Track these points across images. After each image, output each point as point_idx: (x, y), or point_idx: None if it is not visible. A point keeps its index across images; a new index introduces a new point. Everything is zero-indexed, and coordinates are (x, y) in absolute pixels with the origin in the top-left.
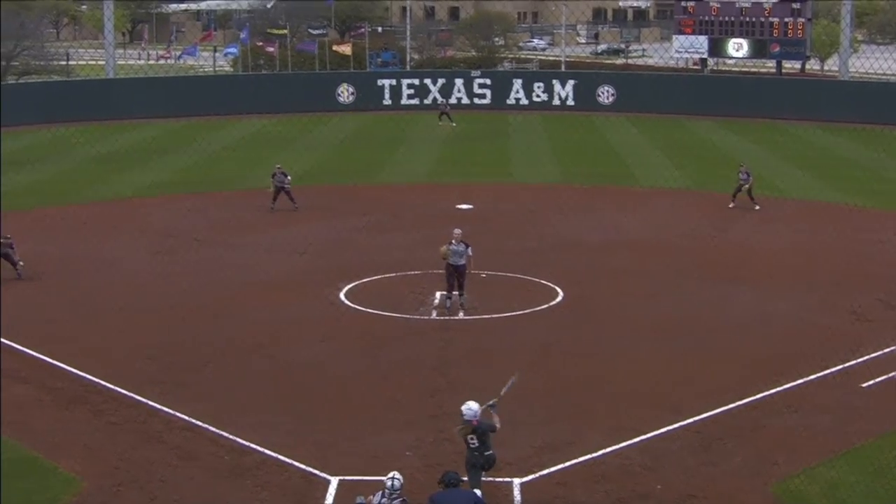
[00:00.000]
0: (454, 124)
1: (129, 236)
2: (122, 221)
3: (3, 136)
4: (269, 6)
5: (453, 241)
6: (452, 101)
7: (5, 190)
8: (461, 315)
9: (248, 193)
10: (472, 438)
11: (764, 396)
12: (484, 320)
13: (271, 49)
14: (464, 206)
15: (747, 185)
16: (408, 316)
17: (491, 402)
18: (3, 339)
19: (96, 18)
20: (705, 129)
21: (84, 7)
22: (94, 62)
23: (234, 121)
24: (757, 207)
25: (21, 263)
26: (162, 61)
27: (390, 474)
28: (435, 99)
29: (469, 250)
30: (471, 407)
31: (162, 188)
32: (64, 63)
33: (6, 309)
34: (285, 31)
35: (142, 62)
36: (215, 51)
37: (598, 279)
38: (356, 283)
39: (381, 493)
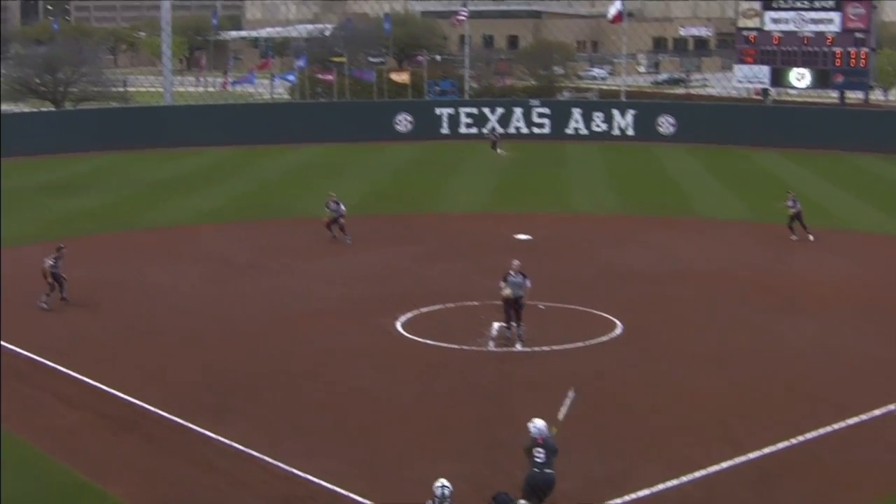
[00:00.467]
0: (502, 153)
1: (184, 263)
2: (177, 248)
3: (61, 162)
4: (327, 34)
5: (511, 273)
6: (511, 130)
7: (63, 216)
8: (518, 347)
9: (304, 221)
10: (538, 451)
11: (825, 431)
12: (542, 352)
13: (329, 77)
14: (522, 236)
15: (793, 211)
16: (464, 347)
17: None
18: (33, 356)
19: (154, 45)
20: (766, 160)
21: (142, 34)
22: (151, 89)
23: (291, 149)
24: (802, 237)
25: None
26: (219, 88)
27: (439, 482)
28: (493, 128)
29: (527, 282)
30: (537, 424)
31: (218, 215)
32: (121, 89)
33: (59, 335)
34: (343, 59)
35: (199, 89)
36: (272, 78)
37: (657, 310)
38: (412, 312)
39: (430, 502)
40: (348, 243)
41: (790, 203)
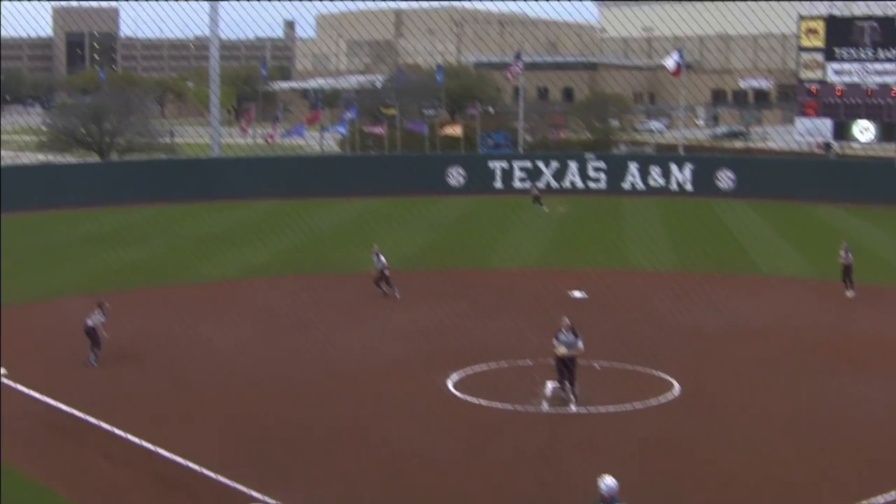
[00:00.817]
0: (546, 208)
1: (233, 318)
2: (225, 302)
3: (107, 214)
4: (378, 85)
5: (563, 331)
6: (566, 184)
7: (109, 269)
8: (573, 407)
9: (354, 276)
10: None
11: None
12: (597, 413)
13: (380, 129)
14: (577, 293)
15: (844, 263)
16: (518, 407)
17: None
18: (78, 413)
19: (202, 96)
20: (830, 216)
21: (190, 84)
22: (199, 140)
23: (341, 202)
24: (849, 293)
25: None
26: (270, 140)
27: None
28: (534, 183)
29: (579, 341)
30: (607, 482)
31: (267, 269)
32: (168, 141)
33: (104, 391)
34: (394, 111)
35: (249, 141)
36: (322, 130)
37: (717, 370)
38: (465, 370)
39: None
40: (398, 298)
41: (843, 254)
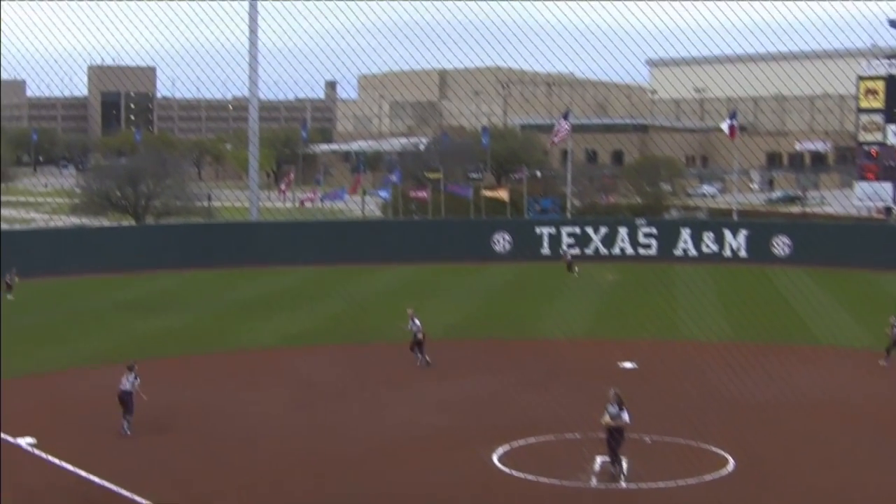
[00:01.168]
0: (576, 274)
1: (271, 387)
2: (263, 371)
3: (142, 280)
4: (421, 148)
5: (609, 403)
6: (615, 251)
7: (144, 336)
8: (623, 484)
9: (395, 345)
10: None
11: None
12: (648, 490)
13: (423, 193)
14: (626, 364)
15: (893, 335)
16: (565, 482)
17: None
18: (109, 485)
19: (240, 158)
20: (891, 284)
21: (228, 146)
22: (237, 204)
23: (383, 268)
24: (882, 362)
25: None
26: (308, 204)
27: None
28: (566, 248)
29: (624, 414)
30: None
31: (307, 337)
32: (206, 204)
33: (136, 462)
34: (438, 175)
35: (288, 205)
36: (364, 194)
37: (773, 444)
38: (510, 444)
39: None
40: (428, 364)
41: (893, 322)
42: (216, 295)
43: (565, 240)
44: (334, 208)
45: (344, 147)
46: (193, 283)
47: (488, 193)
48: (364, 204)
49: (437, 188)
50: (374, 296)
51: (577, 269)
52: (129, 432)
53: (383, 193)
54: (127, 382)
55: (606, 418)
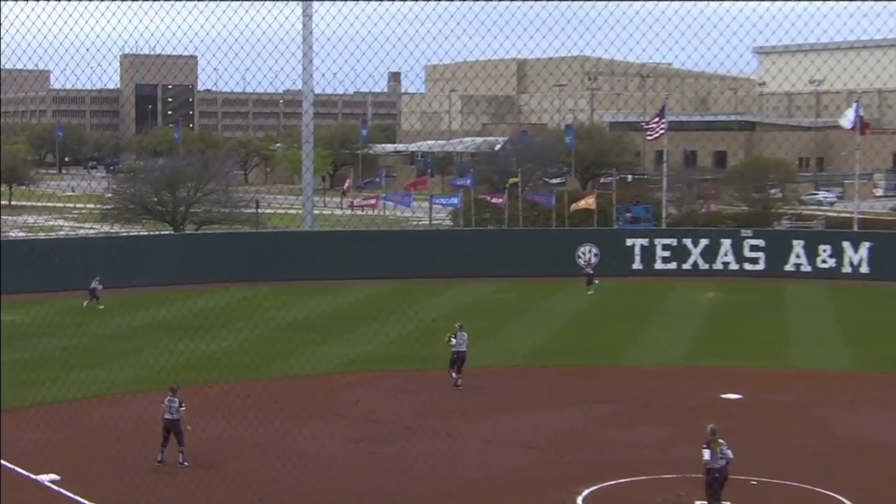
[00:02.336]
0: (590, 291)
1: (325, 420)
2: (317, 402)
3: (181, 297)
4: (497, 148)
5: (708, 440)
6: (717, 266)
7: (183, 361)
8: None
9: (467, 372)
10: None
11: None
12: None
13: (499, 200)
14: (730, 396)
15: None
16: None
17: None
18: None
19: (293, 159)
20: None
21: (278, 146)
22: (290, 211)
23: (452, 285)
24: None
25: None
26: (369, 211)
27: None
28: (588, 261)
29: (729, 453)
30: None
31: (366, 363)
32: (252, 211)
33: (175, 501)
34: (516, 179)
35: (347, 212)
36: (432, 200)
37: None
38: (597, 485)
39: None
40: (459, 386)
41: None
42: (264, 314)
43: (660, 252)
44: (399, 216)
45: (409, 147)
46: (238, 301)
47: (580, 205)
48: (431, 211)
49: (515, 194)
50: (442, 316)
51: (592, 286)
52: (186, 463)
53: (453, 200)
54: (171, 408)
55: (705, 457)
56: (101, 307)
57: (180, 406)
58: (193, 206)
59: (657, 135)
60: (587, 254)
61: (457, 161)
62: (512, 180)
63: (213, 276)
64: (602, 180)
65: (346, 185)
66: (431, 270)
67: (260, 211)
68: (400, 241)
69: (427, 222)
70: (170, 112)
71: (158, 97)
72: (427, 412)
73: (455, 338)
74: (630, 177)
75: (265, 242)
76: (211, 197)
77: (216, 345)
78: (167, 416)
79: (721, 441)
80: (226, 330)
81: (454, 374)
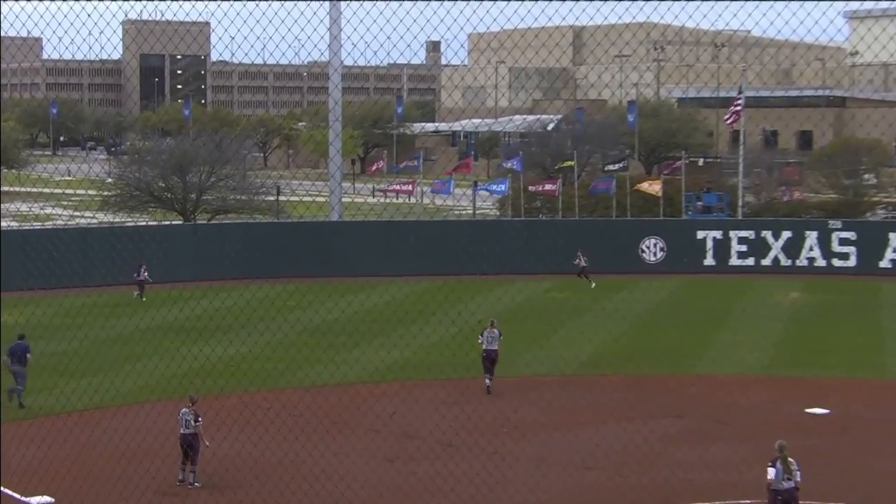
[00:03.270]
0: (593, 285)
1: (356, 436)
2: (346, 415)
3: (192, 295)
4: (549, 128)
5: (775, 459)
6: (801, 262)
7: (195, 368)
8: None
9: (516, 381)
10: None
11: None
12: None
13: (551, 187)
14: (816, 411)
15: None
16: None
17: None
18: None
19: (318, 140)
20: None
21: (301, 125)
22: (315, 199)
23: (500, 282)
24: None
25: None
26: (404, 199)
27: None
28: (578, 255)
29: (799, 472)
30: None
31: (403, 371)
32: (273, 199)
33: None
34: (572, 163)
35: (380, 200)
36: (476, 187)
37: None
38: None
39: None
40: (489, 391)
41: None
42: (287, 315)
43: (735, 246)
44: (439, 205)
45: (451, 127)
46: (258, 300)
47: (643, 187)
48: (475, 199)
49: (570, 180)
50: (488, 319)
51: (591, 282)
52: (197, 483)
53: (501, 186)
54: (188, 422)
55: (769, 476)
56: (143, 299)
57: (196, 420)
58: (206, 193)
59: (735, 118)
60: (580, 259)
61: (504, 142)
62: (566, 164)
63: (229, 271)
64: (670, 164)
65: (378, 167)
66: (476, 266)
67: (281, 198)
68: (440, 233)
69: (471, 212)
70: (179, 86)
71: (166, 69)
72: (471, 427)
73: (487, 333)
74: (702, 160)
75: (288, 234)
76: (226, 182)
77: (232, 350)
78: (184, 430)
79: (791, 460)
80: (244, 333)
81: (487, 381)
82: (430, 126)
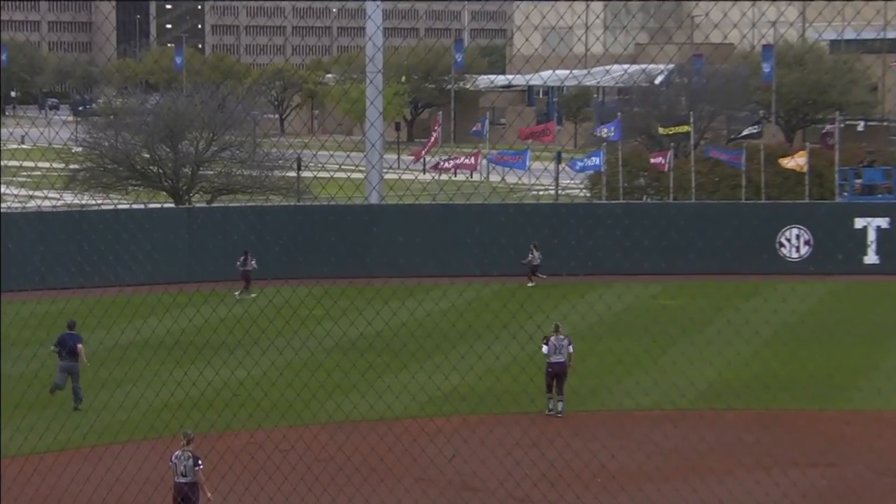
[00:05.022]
0: (530, 284)
1: (402, 488)
2: (390, 460)
3: (186, 299)
4: (657, 82)
5: None
6: None
7: (193, 395)
8: None
9: (613, 416)
10: None
11: None
12: None
13: (660, 160)
14: None
15: None
16: None
17: None
18: None
19: (352, 99)
20: None
21: (329, 77)
22: (349, 175)
23: (592, 285)
24: None
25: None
26: (465, 175)
27: None
28: (531, 249)
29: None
30: None
31: (465, 402)
32: (292, 175)
33: None
34: (687, 128)
35: (438, 177)
36: (559, 159)
37: None
38: None
39: None
40: (559, 415)
41: None
42: (312, 328)
43: None
44: (510, 183)
45: (525, 80)
46: (273, 308)
47: (784, 162)
48: (558, 176)
49: (685, 150)
50: (579, 333)
51: (534, 281)
52: None
53: (592, 159)
54: (184, 468)
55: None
56: (253, 295)
57: (196, 464)
58: (204, 167)
59: None
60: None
61: (597, 101)
62: (680, 129)
63: (235, 270)
64: (821, 130)
65: (434, 136)
66: (560, 264)
67: (304, 175)
68: (512, 221)
69: (553, 192)
70: (168, 25)
71: (151, 2)
72: (554, 477)
73: (548, 342)
74: (862, 124)
75: (313, 221)
76: (231, 153)
77: (241, 373)
78: (179, 478)
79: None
80: (255, 351)
81: (551, 404)
82: (499, 79)
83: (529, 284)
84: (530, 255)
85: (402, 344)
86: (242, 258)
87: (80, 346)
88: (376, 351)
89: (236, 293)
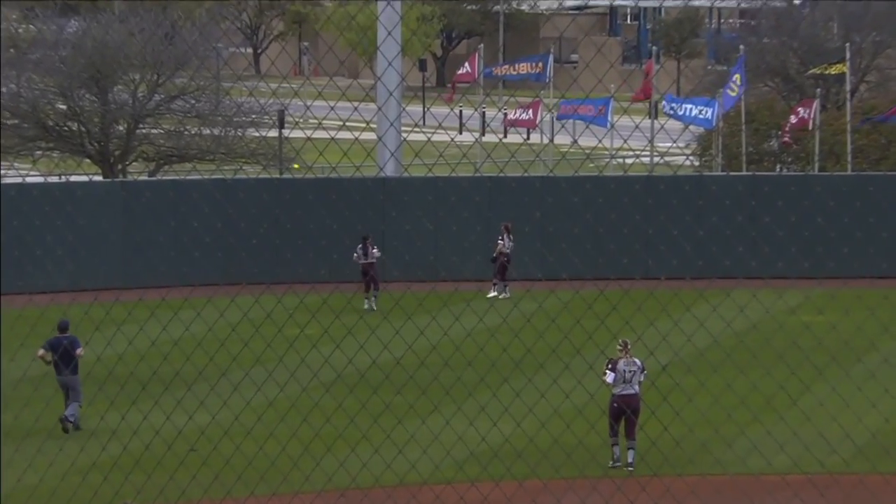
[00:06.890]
0: (494, 293)
1: None
2: None
3: (124, 310)
4: (802, 8)
5: None
6: None
7: (134, 451)
8: None
9: (735, 481)
10: None
11: None
12: None
13: (802, 115)
14: None
15: None
16: None
17: None
18: None
19: (359, 26)
20: None
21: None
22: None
23: (703, 291)
24: None
25: None
26: (520, 134)
27: None
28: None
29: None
30: None
31: (520, 461)
32: (274, 136)
33: None
34: (841, 67)
35: (487, 137)
36: (654, 114)
37: None
38: None
39: None
40: (629, 467)
41: None
42: (301, 353)
43: None
44: (584, 146)
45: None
46: (248, 325)
47: None
48: (653, 138)
49: (836, 101)
50: (683, 361)
51: (496, 288)
52: None
53: (704, 112)
54: None
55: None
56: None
57: None
58: (146, 124)
59: None
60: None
61: (710, 31)
62: (830, 69)
63: (192, 271)
64: None
65: (466, 67)
66: (657, 263)
67: (290, 135)
68: (590, 200)
69: (647, 160)
70: None
71: None
72: None
73: (614, 368)
74: None
75: (303, 202)
76: (183, 104)
77: (202, 418)
78: None
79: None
80: (222, 386)
81: (617, 452)
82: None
83: (491, 294)
84: (500, 241)
85: (431, 377)
86: (360, 247)
87: (78, 350)
88: (395, 387)
89: (364, 300)
